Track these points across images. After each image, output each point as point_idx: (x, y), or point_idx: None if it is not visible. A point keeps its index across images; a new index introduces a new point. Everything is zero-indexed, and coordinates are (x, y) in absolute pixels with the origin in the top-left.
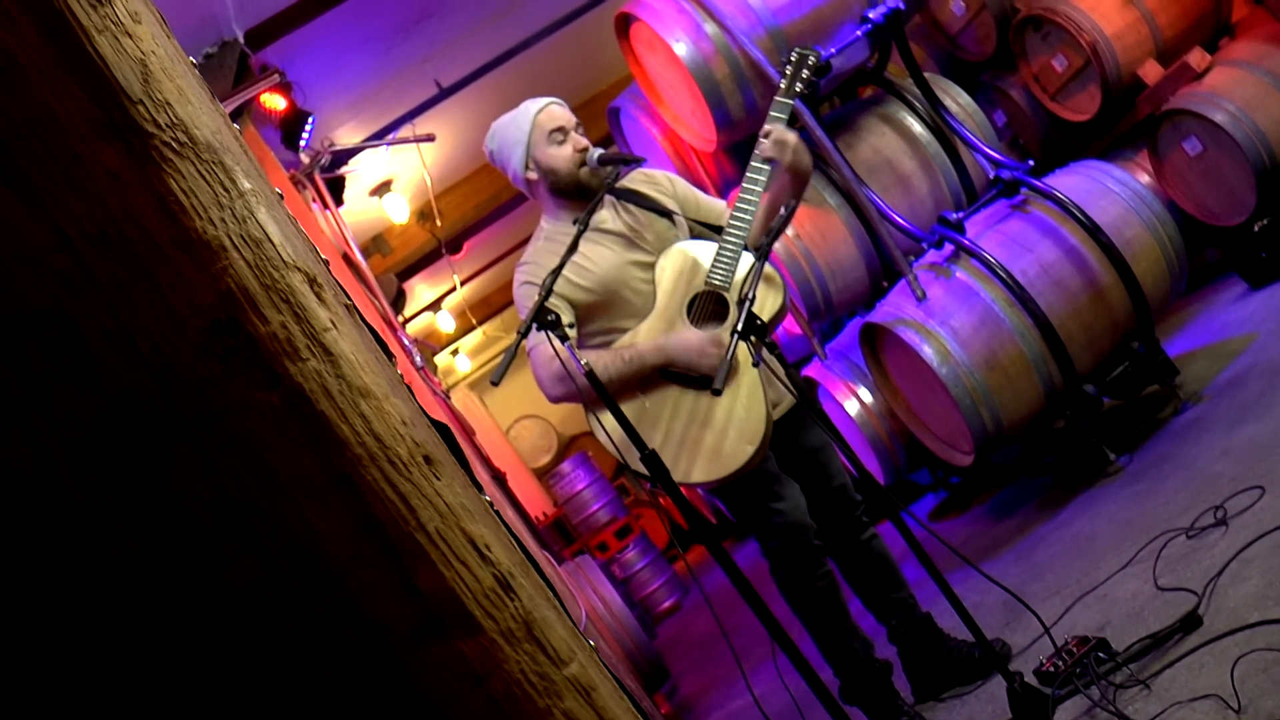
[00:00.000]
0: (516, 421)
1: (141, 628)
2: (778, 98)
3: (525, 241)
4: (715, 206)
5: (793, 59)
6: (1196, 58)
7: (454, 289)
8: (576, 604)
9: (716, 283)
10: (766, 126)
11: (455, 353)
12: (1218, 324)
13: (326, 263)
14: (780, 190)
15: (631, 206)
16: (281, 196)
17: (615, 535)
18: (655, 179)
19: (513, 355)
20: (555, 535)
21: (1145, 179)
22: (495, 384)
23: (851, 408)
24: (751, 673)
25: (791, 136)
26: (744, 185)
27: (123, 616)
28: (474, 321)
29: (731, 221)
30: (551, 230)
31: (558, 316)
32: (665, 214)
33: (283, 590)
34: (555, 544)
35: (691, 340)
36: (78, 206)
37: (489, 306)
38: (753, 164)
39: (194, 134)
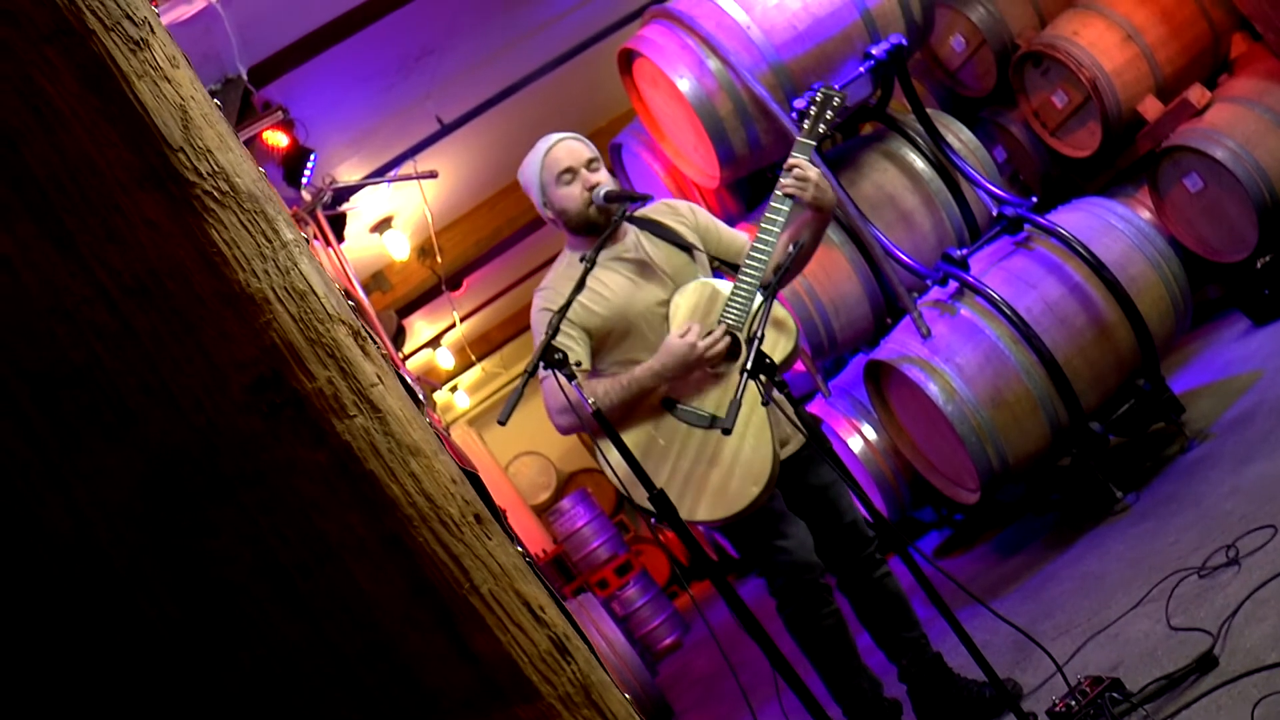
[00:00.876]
0: (516, 458)
1: (181, 697)
2: (801, 139)
3: (526, 278)
4: (737, 240)
5: (817, 98)
6: (1196, 94)
7: (453, 325)
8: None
9: (730, 321)
10: (789, 162)
11: (454, 389)
12: (1221, 361)
13: (355, 307)
14: (800, 227)
15: (653, 239)
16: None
17: (615, 572)
18: (678, 209)
19: (519, 395)
20: (555, 573)
21: (1146, 215)
22: (502, 423)
23: (855, 445)
24: (757, 711)
25: (814, 172)
26: (763, 222)
27: (161, 685)
28: (473, 358)
29: (748, 260)
30: (571, 258)
31: (564, 355)
32: (685, 248)
33: (333, 657)
34: (555, 581)
35: (674, 344)
36: (117, 259)
37: (488, 343)
38: (773, 202)
39: (235, 182)
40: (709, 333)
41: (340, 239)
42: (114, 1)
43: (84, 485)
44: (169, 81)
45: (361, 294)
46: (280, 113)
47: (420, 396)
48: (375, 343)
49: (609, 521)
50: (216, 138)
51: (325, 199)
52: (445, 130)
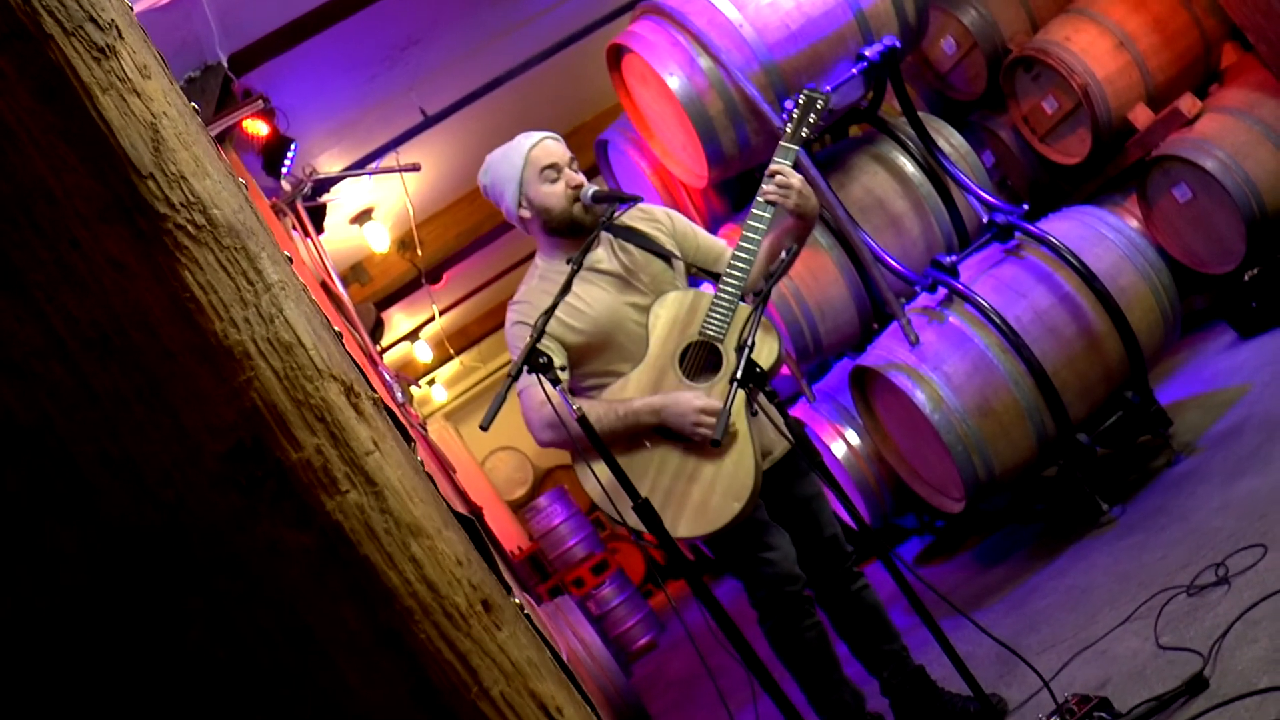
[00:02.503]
0: (492, 453)
1: None
2: (783, 142)
3: (506, 273)
4: (715, 246)
5: (800, 101)
6: (1187, 103)
7: (432, 319)
8: (557, 647)
9: (710, 334)
10: (771, 168)
11: (431, 383)
12: (1209, 373)
13: (335, 301)
14: (783, 234)
15: (629, 246)
16: (291, 260)
17: (591, 571)
18: (654, 216)
19: (503, 399)
20: (530, 570)
21: (1134, 224)
22: (484, 429)
23: (838, 450)
24: (734, 717)
25: (796, 179)
26: (745, 229)
27: None
28: (451, 352)
29: (729, 270)
30: (546, 268)
31: (550, 359)
32: (663, 256)
33: None
34: (530, 579)
35: (686, 405)
36: (74, 304)
37: (467, 337)
38: (754, 208)
39: (213, 215)
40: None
41: (319, 230)
42: (76, 2)
43: (31, 568)
44: (138, 95)
45: (340, 286)
46: (261, 101)
47: (399, 394)
48: (372, 396)
49: (585, 519)
50: (192, 161)
51: (305, 190)
52: (429, 122)
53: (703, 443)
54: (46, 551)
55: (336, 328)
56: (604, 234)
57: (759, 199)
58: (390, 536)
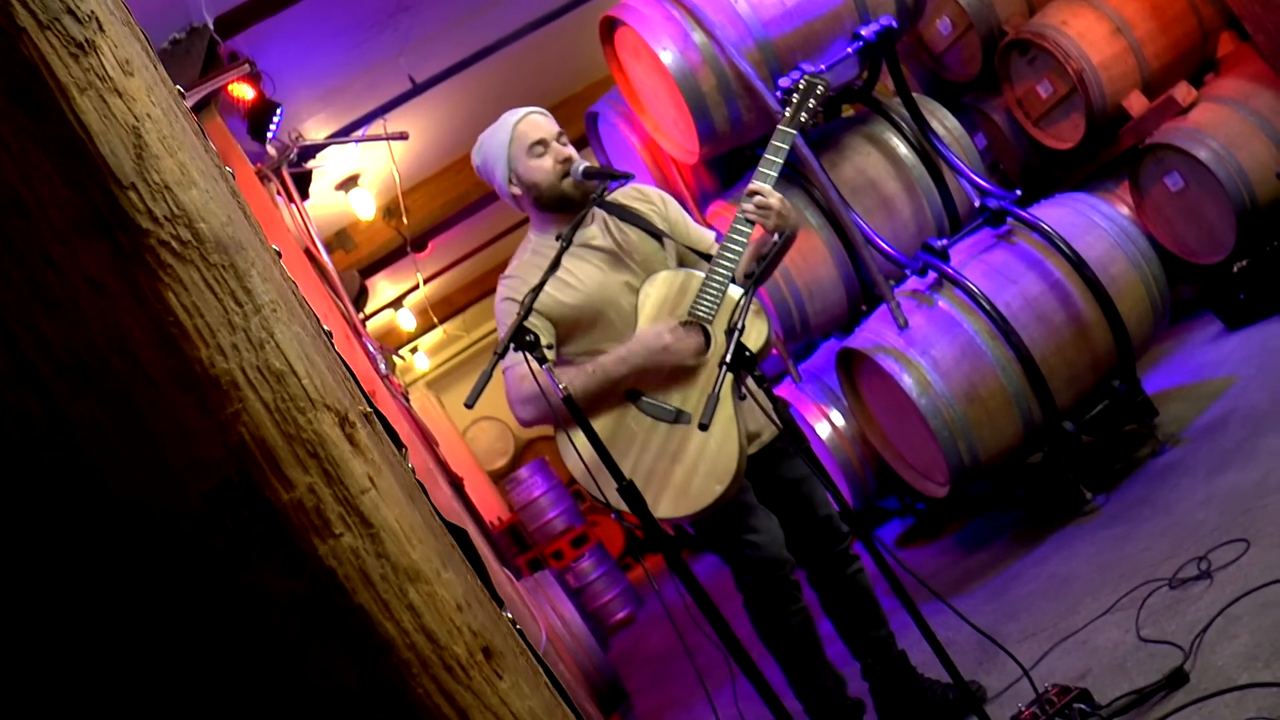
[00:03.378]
0: (474, 423)
1: None
2: (781, 127)
3: (491, 242)
4: (705, 237)
5: (800, 85)
6: (1183, 92)
7: (416, 287)
8: (536, 624)
9: (700, 314)
10: (752, 185)
11: (414, 350)
12: (1195, 363)
13: (329, 334)
14: (766, 241)
15: (623, 224)
16: (279, 255)
17: (571, 544)
18: (649, 196)
19: (488, 377)
20: (510, 541)
21: (1125, 211)
22: (469, 406)
23: (823, 430)
24: (712, 695)
25: (775, 199)
26: (724, 244)
27: None
28: (435, 320)
29: (721, 252)
30: (538, 243)
31: (536, 337)
32: (656, 235)
33: None
34: (509, 551)
35: (650, 336)
36: (48, 327)
37: (450, 305)
38: (734, 225)
39: (199, 229)
40: (681, 326)
41: (304, 196)
42: None
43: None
44: (120, 95)
45: (324, 253)
46: (247, 65)
47: (384, 366)
48: (366, 414)
49: (566, 492)
50: (177, 169)
51: (291, 156)
52: (417, 89)
53: (680, 421)
54: (14, 598)
55: (328, 328)
56: (598, 211)
57: (739, 215)
58: (387, 583)
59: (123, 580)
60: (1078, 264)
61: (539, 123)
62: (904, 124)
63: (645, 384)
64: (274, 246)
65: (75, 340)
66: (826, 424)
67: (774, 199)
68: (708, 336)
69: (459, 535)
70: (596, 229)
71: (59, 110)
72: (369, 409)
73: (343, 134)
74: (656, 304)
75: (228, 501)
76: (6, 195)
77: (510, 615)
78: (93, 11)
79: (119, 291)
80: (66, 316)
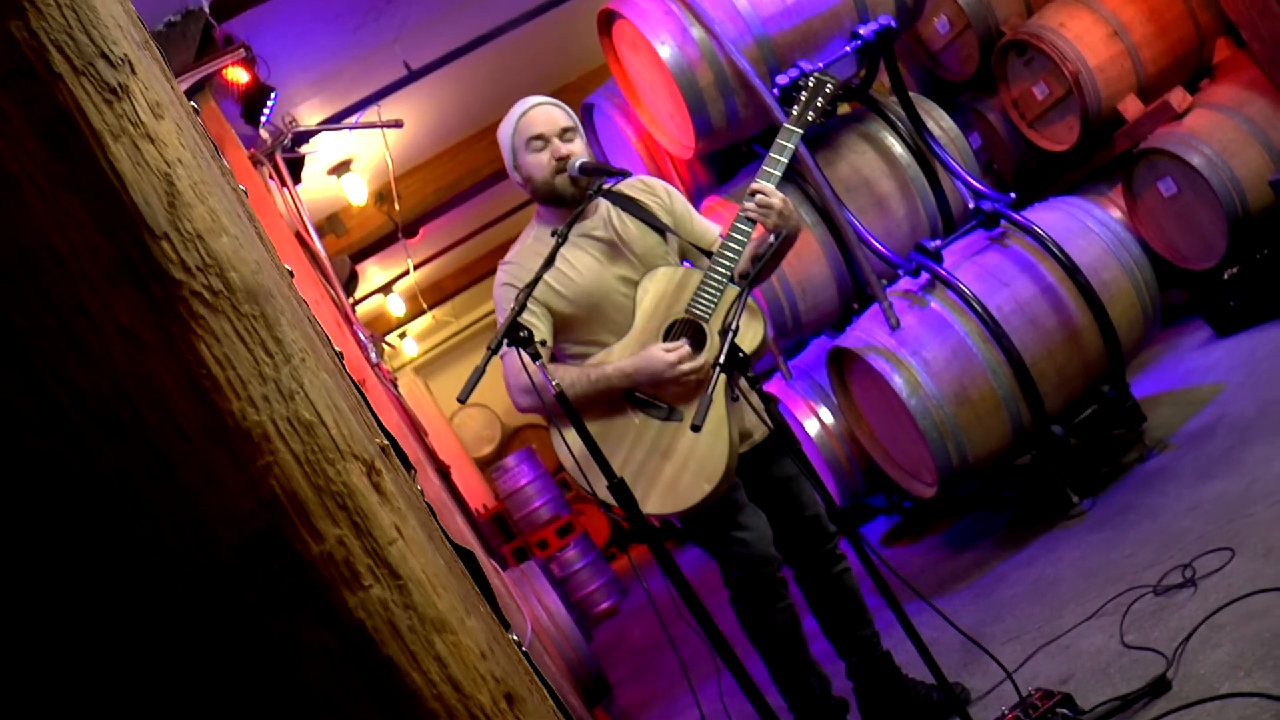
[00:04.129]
0: (461, 409)
1: None
2: (788, 126)
3: (483, 229)
4: (709, 231)
5: (809, 84)
6: (1178, 97)
7: (407, 272)
8: (522, 616)
9: (697, 312)
10: (755, 185)
11: (403, 336)
12: (1183, 369)
13: (339, 354)
14: (765, 240)
15: (625, 216)
16: (292, 275)
17: (556, 533)
18: (654, 189)
19: (481, 372)
20: (495, 530)
21: (1117, 215)
22: (462, 401)
23: (811, 427)
24: (694, 688)
25: (777, 199)
26: (724, 243)
27: None
28: (424, 306)
29: (721, 250)
30: (540, 232)
31: (530, 333)
32: (659, 229)
33: None
34: (494, 539)
35: (657, 363)
36: (81, 375)
37: (440, 291)
38: (735, 224)
39: (230, 278)
40: (683, 345)
41: (297, 180)
42: (86, 36)
43: (27, 665)
44: (152, 141)
45: (315, 238)
46: (242, 50)
47: (375, 355)
48: (384, 455)
49: (552, 481)
50: (208, 216)
51: (285, 142)
52: (412, 76)
53: (680, 397)
54: (44, 647)
55: (334, 343)
56: (602, 201)
57: (740, 213)
58: (414, 634)
59: (154, 631)
60: (1070, 268)
61: (544, 116)
62: (900, 123)
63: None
64: (286, 267)
65: (107, 390)
66: (815, 421)
67: (776, 199)
68: (704, 334)
69: (467, 558)
70: (598, 220)
71: (93, 158)
72: (385, 440)
73: (337, 119)
74: (654, 300)
75: (258, 554)
76: (41, 242)
77: (515, 637)
78: (125, 55)
79: (152, 342)
80: (99, 366)
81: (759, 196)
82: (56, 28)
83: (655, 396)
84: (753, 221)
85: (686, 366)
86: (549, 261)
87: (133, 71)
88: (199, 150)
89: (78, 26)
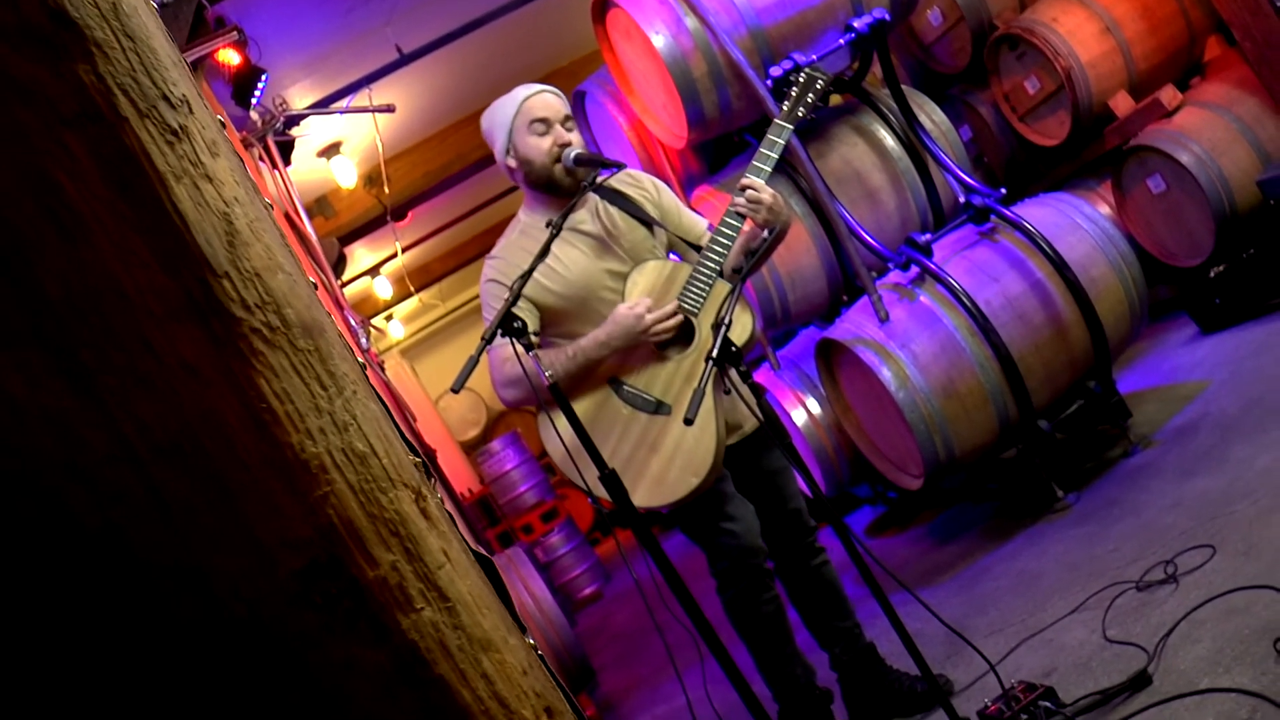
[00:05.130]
0: (446, 392)
1: None
2: (779, 120)
3: (471, 213)
4: (697, 225)
5: (801, 79)
6: (1169, 95)
7: (395, 255)
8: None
9: (686, 305)
10: (743, 181)
11: (389, 318)
12: (1169, 365)
13: (301, 237)
14: (755, 235)
15: (612, 210)
16: (316, 288)
17: (541, 518)
18: (641, 183)
19: (475, 363)
20: (480, 514)
21: (1106, 211)
22: (456, 392)
23: (799, 418)
24: (677, 674)
25: (767, 194)
26: (714, 237)
27: None
28: (412, 289)
29: (710, 244)
30: (527, 224)
31: (524, 324)
32: (646, 222)
33: None
34: (479, 523)
35: (622, 314)
36: (146, 409)
37: (428, 274)
38: (725, 219)
39: (286, 314)
40: (644, 299)
41: (287, 162)
42: (149, 78)
43: (97, 683)
44: (210, 181)
45: (305, 220)
46: (236, 33)
47: (365, 340)
48: (433, 492)
49: (538, 466)
50: (265, 253)
51: (277, 125)
52: (403, 60)
53: (661, 412)
54: (113, 665)
55: (341, 327)
56: (590, 196)
57: (730, 208)
58: (463, 653)
59: (219, 653)
60: (1059, 265)
61: (548, 102)
62: (892, 116)
63: (628, 372)
64: (310, 279)
65: (172, 423)
66: (803, 411)
67: (766, 194)
68: (692, 328)
69: (486, 566)
70: (586, 214)
71: (157, 199)
72: (418, 457)
73: (328, 101)
74: (643, 292)
75: (317, 579)
76: (108, 282)
77: (532, 641)
78: (184, 95)
79: (214, 377)
80: (163, 400)
81: (749, 192)
82: (122, 71)
83: (643, 389)
84: (742, 216)
85: (653, 316)
86: (544, 251)
87: (191, 111)
88: (251, 189)
89: (141, 69)
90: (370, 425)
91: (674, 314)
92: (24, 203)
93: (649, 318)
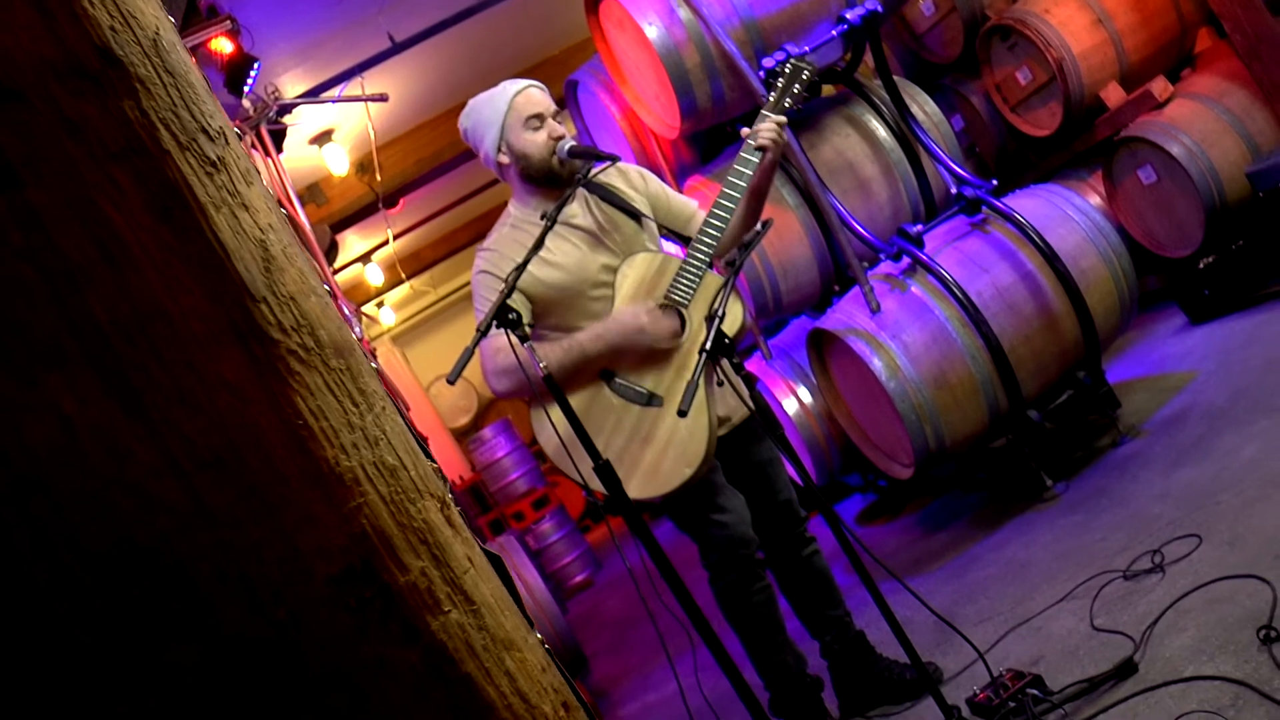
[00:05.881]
0: (437, 379)
1: None
2: (765, 111)
3: (463, 199)
4: (686, 208)
5: (786, 70)
6: (1159, 86)
7: (386, 242)
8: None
9: (676, 298)
10: (771, 119)
11: (380, 305)
12: (1157, 355)
13: (290, 220)
14: (752, 197)
15: (603, 203)
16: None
17: (532, 506)
18: (629, 175)
19: (470, 354)
20: (471, 501)
21: (1096, 201)
22: (451, 383)
23: (790, 406)
24: (667, 663)
25: (783, 135)
26: (729, 179)
27: None
28: (403, 275)
29: (700, 236)
30: (519, 218)
31: (519, 315)
32: (635, 215)
33: None
34: (471, 510)
35: (627, 319)
36: (190, 425)
37: (419, 261)
38: (713, 209)
39: (320, 336)
40: (659, 309)
41: (279, 150)
42: (189, 112)
43: (150, 679)
44: (247, 209)
45: (299, 208)
46: (229, 21)
47: (358, 330)
48: (454, 503)
49: (529, 453)
50: (298, 278)
51: (270, 114)
52: (396, 48)
53: (653, 404)
54: (165, 664)
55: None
56: (580, 190)
57: (749, 144)
58: (488, 653)
59: (260, 654)
60: (1050, 256)
61: (537, 97)
62: (884, 107)
63: (619, 365)
64: (326, 286)
65: (215, 439)
66: (794, 400)
67: (783, 134)
68: (683, 320)
69: (496, 565)
70: (578, 207)
71: (199, 229)
72: (435, 462)
73: (320, 90)
74: (634, 285)
75: (351, 584)
76: (153, 307)
77: (540, 636)
78: (221, 128)
79: (253, 396)
80: (206, 417)
81: (770, 119)
82: (164, 106)
83: (635, 381)
84: (754, 158)
85: (650, 319)
86: (538, 245)
87: (227, 143)
88: (280, 213)
89: (181, 104)
90: (399, 439)
91: (673, 332)
92: (74, 232)
93: (646, 320)
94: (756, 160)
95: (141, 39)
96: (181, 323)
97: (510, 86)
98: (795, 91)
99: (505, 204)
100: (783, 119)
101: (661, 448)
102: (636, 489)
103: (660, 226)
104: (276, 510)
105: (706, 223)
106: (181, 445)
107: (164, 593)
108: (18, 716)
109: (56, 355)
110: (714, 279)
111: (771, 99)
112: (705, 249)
